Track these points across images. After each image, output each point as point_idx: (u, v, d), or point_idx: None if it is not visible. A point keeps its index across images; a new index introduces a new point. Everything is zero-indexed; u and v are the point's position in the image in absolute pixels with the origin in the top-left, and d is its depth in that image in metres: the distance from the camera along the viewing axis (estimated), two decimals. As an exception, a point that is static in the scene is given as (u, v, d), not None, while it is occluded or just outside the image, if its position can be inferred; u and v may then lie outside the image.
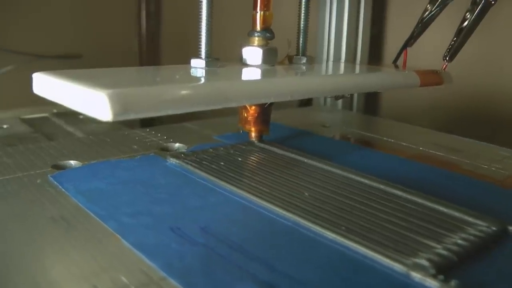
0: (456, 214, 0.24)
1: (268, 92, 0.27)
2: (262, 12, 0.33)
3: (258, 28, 0.33)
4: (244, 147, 0.35)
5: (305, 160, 0.32)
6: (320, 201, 0.26)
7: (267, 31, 0.33)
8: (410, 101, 0.60)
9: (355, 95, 0.60)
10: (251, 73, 0.31)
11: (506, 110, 0.52)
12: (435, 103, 0.58)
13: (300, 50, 0.37)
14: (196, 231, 0.22)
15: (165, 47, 1.01)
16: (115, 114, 0.20)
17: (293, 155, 0.33)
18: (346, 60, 0.58)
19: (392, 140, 0.41)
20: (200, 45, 0.30)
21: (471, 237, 0.22)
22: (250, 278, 0.18)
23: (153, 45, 1.02)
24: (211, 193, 0.27)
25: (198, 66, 0.31)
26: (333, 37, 0.58)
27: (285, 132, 0.42)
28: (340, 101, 0.57)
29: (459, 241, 0.21)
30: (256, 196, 0.26)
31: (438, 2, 0.36)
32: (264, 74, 0.31)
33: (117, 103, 0.20)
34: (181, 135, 0.40)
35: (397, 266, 0.19)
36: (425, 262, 0.19)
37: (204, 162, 0.31)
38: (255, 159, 0.33)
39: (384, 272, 0.19)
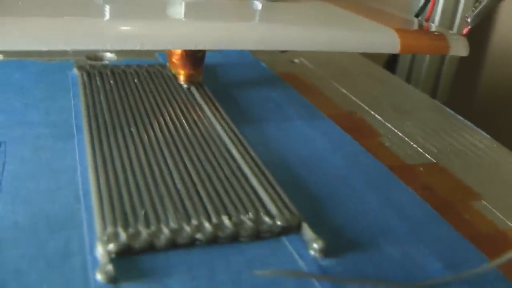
0: (265, 198, 0.21)
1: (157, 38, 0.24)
2: None
3: None
4: (160, 70, 0.33)
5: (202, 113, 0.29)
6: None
7: None
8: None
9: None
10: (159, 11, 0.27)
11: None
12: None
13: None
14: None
15: None
16: None
17: (201, 103, 0.29)
18: None
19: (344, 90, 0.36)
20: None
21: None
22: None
23: None
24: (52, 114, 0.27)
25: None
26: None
27: (248, 76, 0.37)
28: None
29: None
30: (90, 138, 0.24)
31: None
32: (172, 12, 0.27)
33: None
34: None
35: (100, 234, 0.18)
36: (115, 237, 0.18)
37: (95, 80, 0.30)
38: (148, 90, 0.30)
39: (80, 235, 0.18)
